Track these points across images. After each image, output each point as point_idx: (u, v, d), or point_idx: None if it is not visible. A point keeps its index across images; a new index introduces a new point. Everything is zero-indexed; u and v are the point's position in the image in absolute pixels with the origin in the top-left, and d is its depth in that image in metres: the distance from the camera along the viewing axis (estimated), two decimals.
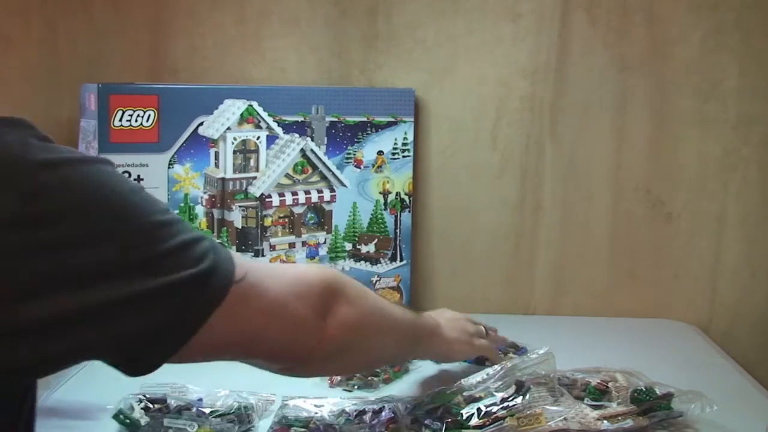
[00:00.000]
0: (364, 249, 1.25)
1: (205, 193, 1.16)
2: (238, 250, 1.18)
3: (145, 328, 0.55)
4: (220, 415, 0.85)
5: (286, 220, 1.21)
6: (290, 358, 0.69)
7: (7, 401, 0.55)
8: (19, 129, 0.54)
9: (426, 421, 0.83)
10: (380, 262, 1.25)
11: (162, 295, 0.55)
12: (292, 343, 0.67)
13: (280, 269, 0.72)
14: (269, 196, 1.19)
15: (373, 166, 1.24)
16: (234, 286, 0.60)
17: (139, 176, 1.12)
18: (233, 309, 0.60)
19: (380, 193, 1.24)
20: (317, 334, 0.68)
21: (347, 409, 0.86)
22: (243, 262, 0.63)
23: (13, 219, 0.49)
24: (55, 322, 0.51)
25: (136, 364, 0.58)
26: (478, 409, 0.82)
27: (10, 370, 0.51)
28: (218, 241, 0.64)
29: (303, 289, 0.68)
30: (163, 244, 0.56)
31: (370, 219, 1.24)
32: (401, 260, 1.26)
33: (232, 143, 1.16)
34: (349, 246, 1.24)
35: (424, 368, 1.06)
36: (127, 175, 1.11)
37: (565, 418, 0.82)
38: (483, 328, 1.01)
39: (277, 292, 0.66)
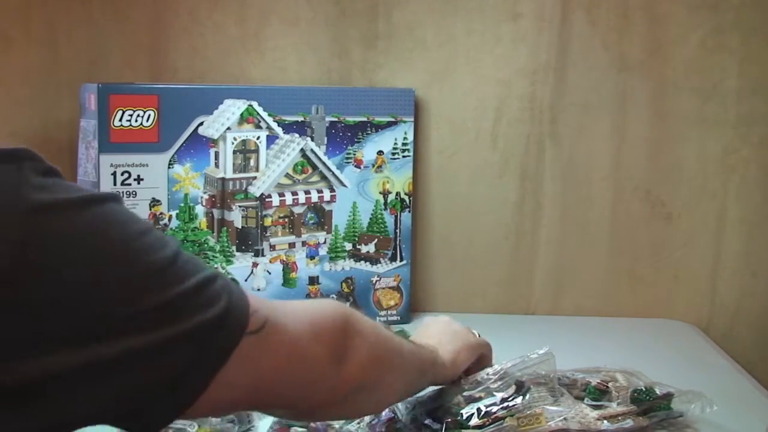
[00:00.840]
0: (364, 249, 1.25)
1: (205, 193, 1.16)
2: (238, 250, 1.19)
3: (147, 386, 0.51)
4: None
5: (286, 220, 1.21)
6: (307, 407, 0.66)
7: None
8: (16, 164, 0.48)
9: (426, 421, 0.83)
10: (380, 262, 1.25)
11: (168, 348, 0.51)
12: (310, 393, 0.64)
13: (297, 310, 0.65)
14: (269, 196, 1.19)
15: (373, 166, 1.24)
16: (246, 337, 0.55)
17: (139, 176, 1.12)
18: (245, 361, 0.55)
19: (380, 193, 1.24)
20: (335, 381, 0.65)
21: None
22: (260, 305, 0.58)
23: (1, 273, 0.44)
24: (45, 383, 0.46)
25: (140, 425, 0.53)
26: (478, 409, 0.82)
27: None
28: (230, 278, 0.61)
29: (320, 331, 0.64)
30: (171, 289, 0.51)
31: (370, 219, 1.24)
32: (401, 260, 1.26)
33: (232, 143, 1.16)
34: (349, 246, 1.24)
35: None
36: (127, 175, 1.11)
37: (565, 418, 0.82)
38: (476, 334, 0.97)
39: (296, 339, 0.61)
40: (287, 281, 1.21)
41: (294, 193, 1.20)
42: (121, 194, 1.11)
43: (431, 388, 0.89)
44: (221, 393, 0.54)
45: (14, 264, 0.44)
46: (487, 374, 0.90)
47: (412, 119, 1.25)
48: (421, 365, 0.81)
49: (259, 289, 1.19)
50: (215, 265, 1.17)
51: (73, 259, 0.47)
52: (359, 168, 1.23)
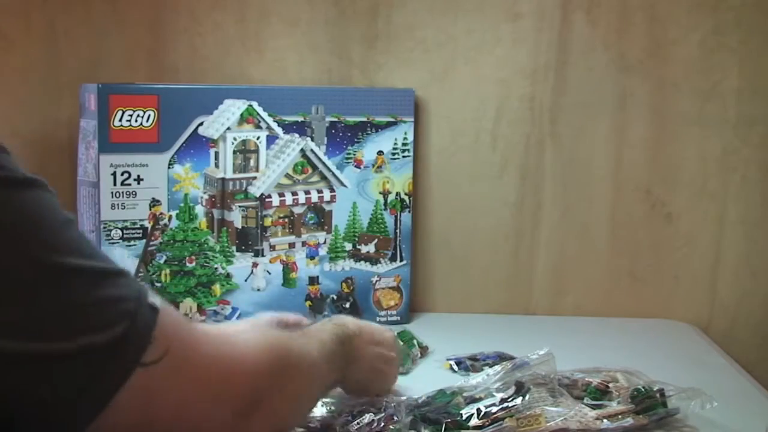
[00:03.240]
0: (364, 249, 1.24)
1: (205, 193, 1.16)
2: (238, 250, 1.19)
3: (30, 395, 0.48)
4: None
5: (286, 220, 1.21)
6: None
7: None
8: None
9: (426, 422, 0.83)
10: (380, 262, 1.25)
11: (48, 364, 0.48)
12: None
13: (216, 346, 0.60)
14: (269, 196, 1.19)
15: (373, 166, 1.24)
16: (140, 368, 0.51)
17: (139, 176, 1.12)
18: (138, 392, 0.51)
19: (380, 193, 1.24)
20: None
21: (347, 409, 0.86)
22: (169, 335, 0.54)
23: None
24: None
25: None
26: (478, 410, 0.82)
27: None
28: (153, 298, 0.55)
29: (229, 384, 0.58)
30: (68, 298, 0.49)
31: (370, 219, 1.24)
32: (401, 260, 1.26)
33: (232, 143, 1.16)
34: (349, 246, 1.24)
35: (423, 368, 1.06)
36: (127, 175, 1.11)
37: (564, 419, 0.82)
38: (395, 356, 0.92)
39: (196, 384, 0.56)
40: (287, 281, 1.21)
41: (294, 193, 1.20)
42: (121, 194, 1.12)
43: (430, 390, 0.89)
44: (112, 419, 0.51)
45: None
46: (488, 374, 0.90)
47: (412, 119, 1.25)
48: (330, 381, 0.78)
49: (259, 290, 1.19)
50: (215, 265, 1.17)
51: None
52: (359, 168, 1.23)
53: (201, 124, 1.15)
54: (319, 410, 0.86)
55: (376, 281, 1.25)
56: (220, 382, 0.58)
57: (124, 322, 0.51)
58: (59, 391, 0.49)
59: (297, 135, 1.19)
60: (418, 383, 0.98)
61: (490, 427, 0.80)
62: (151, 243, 1.14)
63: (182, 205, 1.15)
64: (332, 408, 0.86)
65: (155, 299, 0.55)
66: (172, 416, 0.55)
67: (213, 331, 0.62)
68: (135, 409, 0.52)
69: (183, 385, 0.56)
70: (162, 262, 1.15)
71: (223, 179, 1.17)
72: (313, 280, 1.22)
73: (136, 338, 0.51)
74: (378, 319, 1.23)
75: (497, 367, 0.91)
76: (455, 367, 1.04)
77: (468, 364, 1.04)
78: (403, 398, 0.89)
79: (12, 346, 0.47)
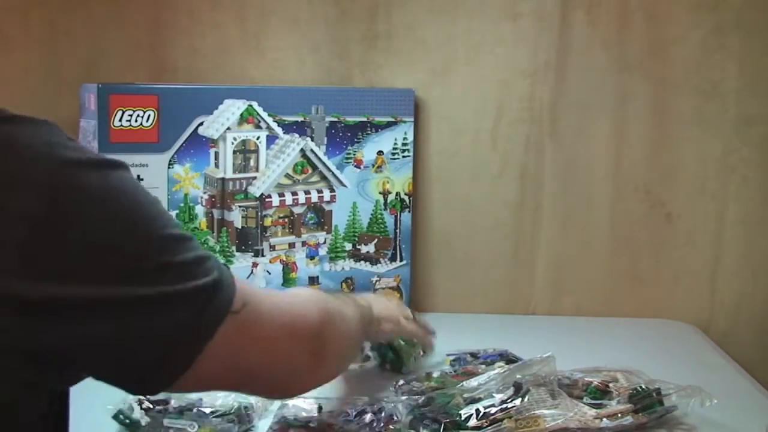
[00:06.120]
0: (364, 249, 1.25)
1: (205, 193, 1.16)
2: (238, 250, 1.19)
3: (143, 338, 0.54)
4: (220, 415, 0.85)
5: (286, 220, 1.21)
6: (282, 395, 0.75)
7: (32, 400, 0.53)
8: (49, 126, 0.54)
9: (425, 422, 0.83)
10: (380, 262, 1.25)
11: (164, 306, 0.54)
12: (286, 381, 0.68)
13: (279, 302, 0.68)
14: (269, 196, 1.19)
15: (373, 166, 1.24)
16: (230, 316, 0.58)
17: (138, 176, 1.12)
18: (228, 340, 0.58)
19: (380, 193, 1.24)
20: (310, 373, 0.70)
21: (347, 409, 0.86)
22: (245, 289, 0.61)
23: (28, 216, 0.50)
24: (58, 307, 0.50)
25: (137, 384, 0.58)
26: (477, 410, 0.82)
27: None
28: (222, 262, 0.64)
29: (301, 327, 0.68)
30: (173, 254, 0.56)
31: (370, 219, 1.24)
32: (401, 260, 1.26)
33: (232, 143, 1.16)
34: (349, 246, 1.24)
35: (424, 368, 1.06)
36: None
37: (564, 419, 0.82)
38: (411, 312, 1.04)
39: (275, 330, 0.64)
40: (287, 281, 1.21)
41: (294, 193, 1.20)
42: None
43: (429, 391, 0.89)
44: (205, 366, 0.57)
45: (41, 209, 0.50)
46: (488, 376, 0.90)
47: (412, 119, 1.25)
48: (362, 328, 0.85)
49: None
50: None
51: (95, 212, 0.52)
52: (359, 168, 1.23)
53: (201, 124, 1.15)
54: (318, 410, 0.86)
55: (376, 281, 1.25)
56: (296, 326, 0.67)
57: (214, 274, 0.58)
58: (169, 331, 0.55)
59: (297, 135, 1.19)
60: (417, 383, 0.98)
61: (489, 428, 0.80)
62: None
63: (182, 205, 1.15)
64: (333, 408, 0.87)
65: None
66: (260, 361, 0.63)
67: (267, 289, 0.73)
68: (224, 357, 0.58)
69: (267, 331, 0.63)
70: None
71: (223, 179, 1.17)
72: (313, 280, 1.22)
73: (226, 288, 0.59)
74: None
75: (497, 368, 0.91)
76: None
77: (465, 360, 1.03)
78: (403, 398, 0.89)
79: (123, 291, 0.52)
